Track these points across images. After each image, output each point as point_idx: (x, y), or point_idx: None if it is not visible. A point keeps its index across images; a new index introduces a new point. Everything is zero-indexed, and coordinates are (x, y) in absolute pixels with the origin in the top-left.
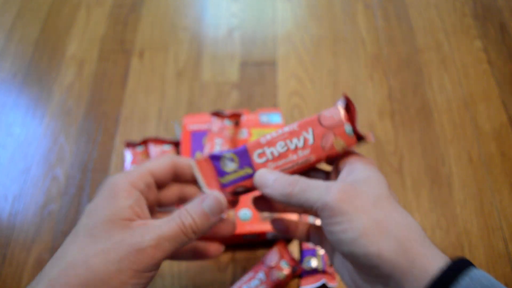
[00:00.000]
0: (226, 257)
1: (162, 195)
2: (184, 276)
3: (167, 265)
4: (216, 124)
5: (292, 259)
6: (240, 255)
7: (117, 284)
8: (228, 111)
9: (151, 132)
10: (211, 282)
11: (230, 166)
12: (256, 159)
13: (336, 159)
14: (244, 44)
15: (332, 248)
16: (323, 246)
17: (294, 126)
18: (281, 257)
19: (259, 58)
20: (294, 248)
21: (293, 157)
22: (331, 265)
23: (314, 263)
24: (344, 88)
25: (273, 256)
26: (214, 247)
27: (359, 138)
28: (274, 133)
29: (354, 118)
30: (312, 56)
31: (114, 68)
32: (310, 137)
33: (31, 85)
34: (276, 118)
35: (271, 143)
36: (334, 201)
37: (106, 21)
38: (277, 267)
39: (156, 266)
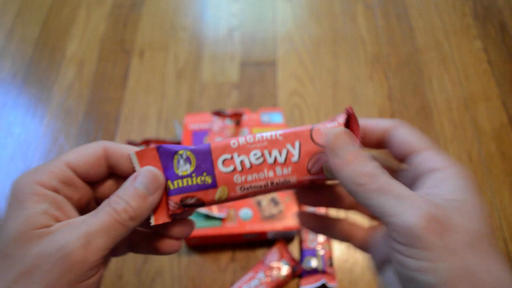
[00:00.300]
0: (226, 257)
1: (99, 192)
2: (184, 276)
3: (167, 265)
4: (217, 123)
5: (292, 259)
6: (240, 255)
7: None
8: (229, 110)
9: (151, 132)
10: (211, 282)
11: (183, 167)
12: (220, 166)
13: (409, 153)
14: (244, 44)
15: (383, 260)
16: (369, 252)
17: (277, 133)
18: (281, 257)
19: (259, 58)
20: (294, 248)
21: (268, 174)
22: (376, 274)
23: (314, 263)
24: (344, 88)
25: (273, 256)
26: (170, 243)
27: None
28: (250, 137)
29: (355, 140)
30: (312, 56)
31: (114, 68)
32: (295, 153)
33: (31, 85)
34: (277, 117)
35: (243, 150)
36: (420, 229)
37: (106, 21)
38: (277, 267)
39: (95, 270)
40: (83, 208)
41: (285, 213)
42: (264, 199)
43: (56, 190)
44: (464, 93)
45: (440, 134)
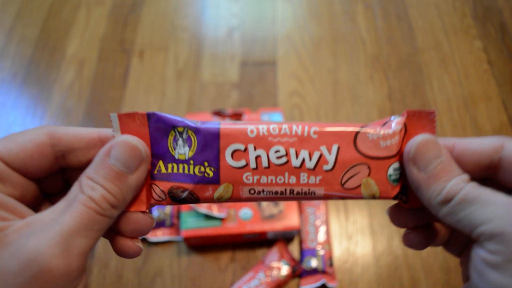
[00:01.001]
0: (226, 257)
1: (46, 185)
2: (184, 276)
3: (167, 265)
4: None
5: (292, 259)
6: (240, 255)
7: None
8: (229, 110)
9: None
10: (211, 282)
11: (181, 149)
12: (228, 157)
13: None
14: (244, 44)
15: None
16: (461, 259)
17: (311, 129)
18: (281, 257)
19: (259, 58)
20: (294, 248)
21: (289, 179)
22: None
23: (314, 263)
24: (344, 88)
25: (273, 256)
26: (124, 244)
27: (404, 193)
28: (275, 126)
29: (442, 149)
30: (312, 56)
31: (114, 68)
32: (330, 160)
33: (31, 85)
34: (277, 117)
35: (262, 142)
36: None
37: (106, 21)
38: (277, 267)
39: (81, 276)
40: (30, 207)
41: (285, 213)
42: None
43: None
44: (464, 93)
45: (440, 134)
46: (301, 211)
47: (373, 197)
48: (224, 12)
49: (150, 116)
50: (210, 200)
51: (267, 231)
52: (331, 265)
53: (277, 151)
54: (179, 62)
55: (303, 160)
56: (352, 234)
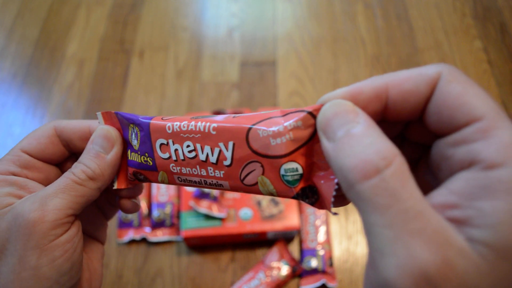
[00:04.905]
0: (226, 257)
1: (66, 168)
2: (184, 276)
3: (167, 265)
4: None
5: (292, 259)
6: (240, 255)
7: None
8: (229, 110)
9: None
10: (211, 282)
11: (134, 142)
12: (158, 150)
13: (455, 124)
14: (244, 44)
15: None
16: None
17: (211, 125)
18: (281, 257)
19: (259, 58)
20: (294, 248)
21: (201, 172)
22: None
23: (314, 263)
24: None
25: (273, 256)
26: (128, 203)
27: (305, 195)
28: (185, 123)
29: (361, 115)
30: (312, 56)
31: (114, 68)
32: (228, 156)
33: (31, 85)
34: None
35: (177, 138)
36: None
37: (106, 21)
38: (277, 267)
39: (61, 228)
40: None
41: (285, 213)
42: (264, 199)
43: (14, 174)
44: None
45: None
46: (301, 211)
47: (272, 195)
48: (224, 12)
49: (116, 115)
50: (157, 182)
51: (267, 231)
52: (331, 265)
53: (188, 146)
54: (179, 62)
55: (207, 155)
56: (352, 234)
